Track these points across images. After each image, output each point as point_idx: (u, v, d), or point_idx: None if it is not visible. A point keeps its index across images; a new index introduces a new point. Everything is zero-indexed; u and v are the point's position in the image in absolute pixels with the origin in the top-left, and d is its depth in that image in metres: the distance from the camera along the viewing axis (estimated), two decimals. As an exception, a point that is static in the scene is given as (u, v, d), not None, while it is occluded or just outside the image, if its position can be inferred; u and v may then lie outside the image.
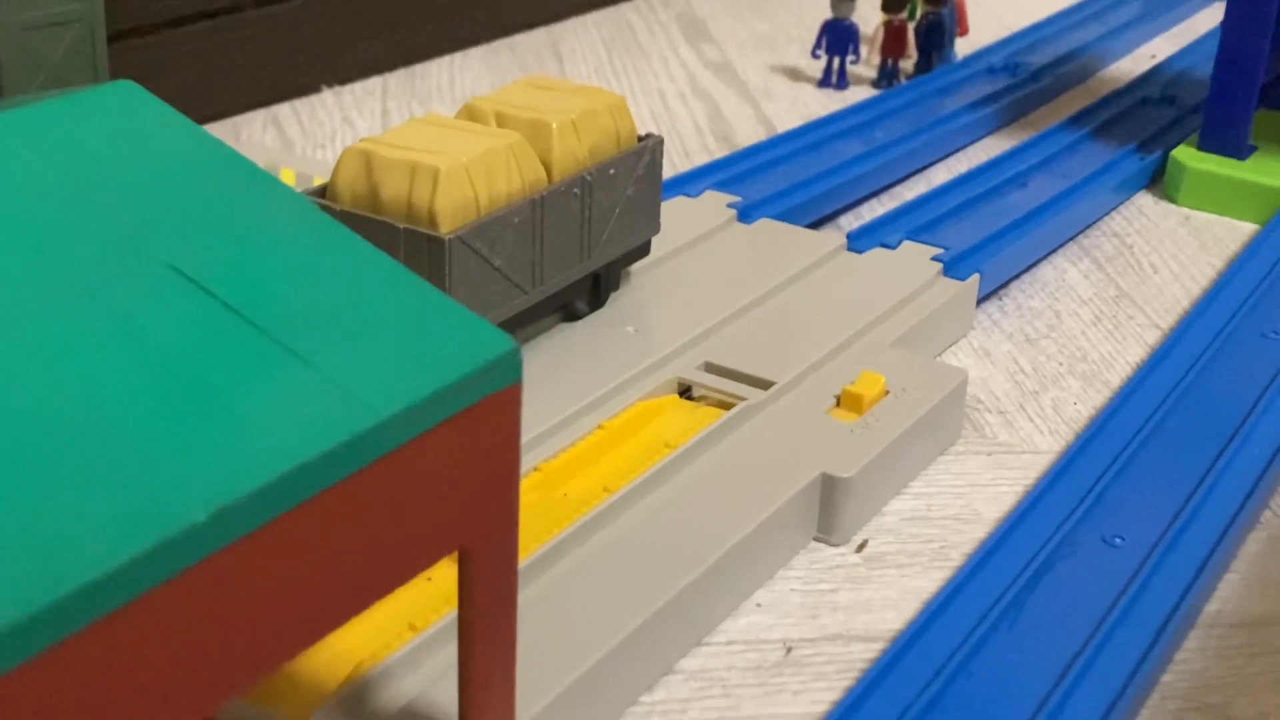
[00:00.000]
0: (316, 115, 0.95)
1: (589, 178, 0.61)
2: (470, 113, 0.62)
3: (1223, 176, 0.86)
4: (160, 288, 0.32)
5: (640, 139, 0.65)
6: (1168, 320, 0.73)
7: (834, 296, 0.68)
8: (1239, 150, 0.88)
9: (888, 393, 0.59)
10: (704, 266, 0.70)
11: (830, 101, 1.03)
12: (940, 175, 0.91)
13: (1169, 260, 0.80)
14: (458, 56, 1.09)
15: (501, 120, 0.61)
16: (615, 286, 0.66)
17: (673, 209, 0.76)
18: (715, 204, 0.77)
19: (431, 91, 1.01)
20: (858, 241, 0.73)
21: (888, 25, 1.05)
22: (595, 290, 0.64)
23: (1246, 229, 0.85)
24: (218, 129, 0.92)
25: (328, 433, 0.31)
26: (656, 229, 0.67)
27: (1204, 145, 0.88)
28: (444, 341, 0.34)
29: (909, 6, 1.06)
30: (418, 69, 1.06)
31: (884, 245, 0.73)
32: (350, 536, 0.32)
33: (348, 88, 1.01)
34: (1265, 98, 0.95)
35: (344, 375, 0.32)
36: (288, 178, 0.75)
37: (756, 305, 0.67)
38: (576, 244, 0.61)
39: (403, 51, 1.05)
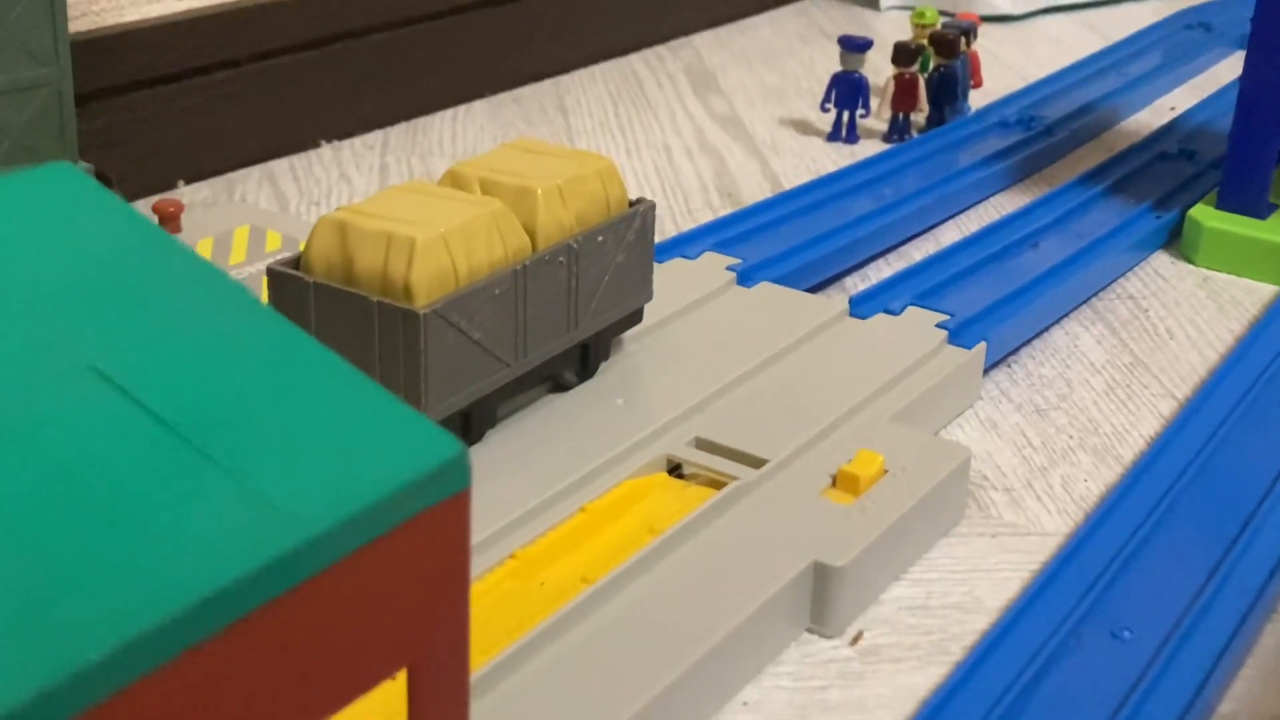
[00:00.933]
0: (313, 172, 0.93)
1: (575, 246, 0.59)
2: (454, 179, 0.60)
3: (1242, 237, 0.84)
4: (77, 390, 0.30)
5: (632, 203, 0.63)
6: (1184, 390, 0.70)
7: (834, 366, 0.65)
8: (1259, 209, 0.85)
9: (886, 472, 0.56)
10: (700, 333, 0.68)
11: (839, 156, 1.01)
12: (950, 234, 0.88)
13: (1185, 325, 0.77)
14: (461, 110, 1.07)
15: (486, 186, 0.59)
16: (605, 356, 0.64)
17: (670, 272, 0.74)
18: (714, 266, 0.75)
19: (433, 146, 1.00)
20: (860, 307, 0.71)
21: (898, 78, 1.02)
22: (584, 361, 0.62)
23: (1267, 291, 0.82)
24: (212, 186, 0.90)
25: (250, 553, 0.28)
26: (649, 296, 0.65)
27: (1222, 204, 0.86)
28: (386, 446, 0.32)
29: (920, 59, 1.04)
30: (420, 123, 1.04)
31: (888, 311, 0.71)
32: (279, 662, 0.29)
33: (347, 143, 0.99)
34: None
35: (273, 487, 0.30)
36: (274, 241, 0.73)
37: (753, 375, 0.64)
38: (563, 314, 0.59)
39: (404, 106, 1.03)
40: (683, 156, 1.00)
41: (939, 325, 0.69)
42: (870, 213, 0.85)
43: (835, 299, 0.74)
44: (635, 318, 0.65)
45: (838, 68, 1.03)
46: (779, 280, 0.75)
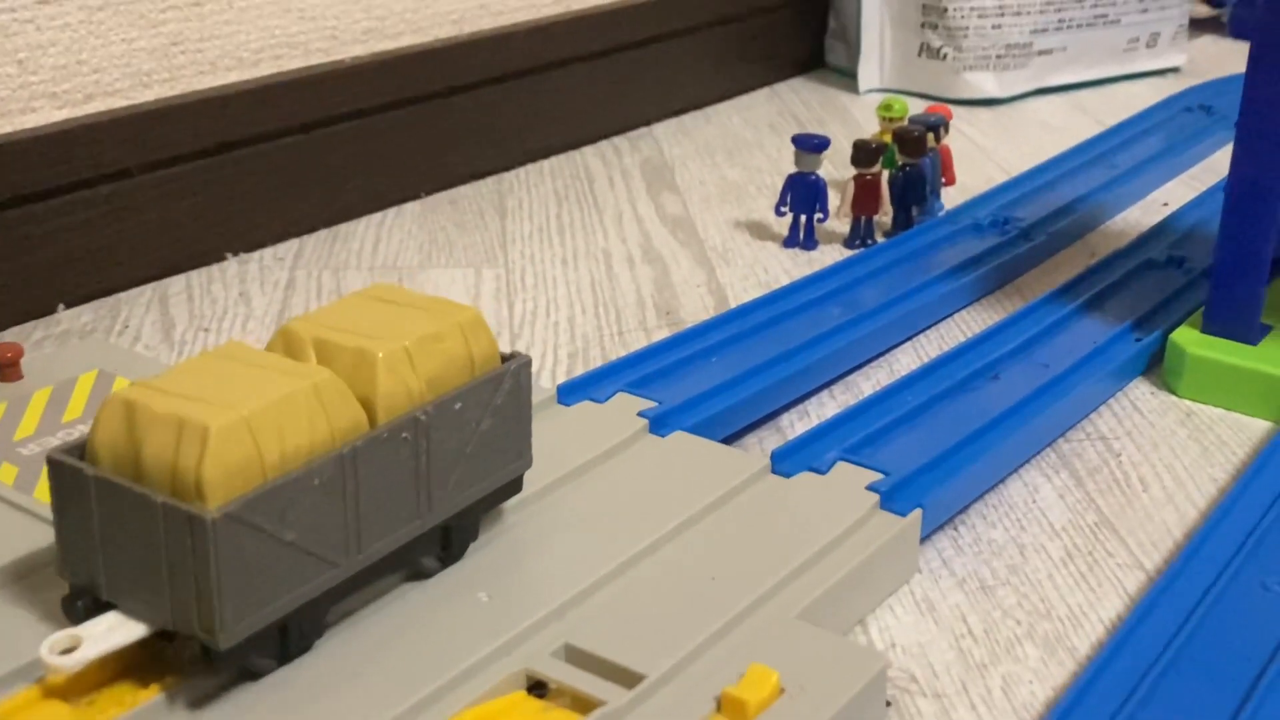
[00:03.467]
0: (211, 291, 0.86)
1: (424, 417, 0.50)
2: (286, 339, 0.52)
3: (1229, 366, 0.75)
4: None
5: (505, 358, 0.55)
6: (1155, 558, 0.61)
7: (742, 542, 0.57)
8: (1248, 333, 0.76)
9: (782, 692, 0.48)
10: (594, 500, 0.59)
11: (794, 264, 0.92)
12: (906, 359, 0.79)
13: (1163, 473, 0.68)
14: (390, 214, 1.00)
15: (321, 349, 0.51)
16: (473, 536, 0.55)
17: (574, 419, 0.65)
18: (625, 411, 0.66)
19: (350, 257, 0.92)
20: (783, 463, 0.62)
21: (859, 179, 0.94)
22: (446, 544, 0.54)
23: (1257, 428, 0.73)
24: (95, 310, 0.82)
25: None
26: (526, 463, 0.56)
27: (1209, 327, 0.77)
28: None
29: (884, 157, 0.95)
30: (342, 229, 0.96)
31: (813, 469, 0.62)
32: None
33: (256, 255, 0.91)
34: (1281, 267, 0.84)
35: None
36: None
37: (645, 556, 0.55)
38: (411, 496, 0.51)
39: (324, 211, 0.96)
40: (623, 266, 0.92)
41: (871, 486, 0.60)
42: (815, 338, 0.76)
43: (756, 453, 0.66)
44: (513, 487, 0.56)
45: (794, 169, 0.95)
46: (701, 426, 0.66)
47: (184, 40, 0.87)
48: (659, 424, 0.65)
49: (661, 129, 1.22)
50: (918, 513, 0.59)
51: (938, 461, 0.63)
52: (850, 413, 0.68)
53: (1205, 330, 0.77)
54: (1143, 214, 1.03)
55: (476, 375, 0.53)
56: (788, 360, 0.74)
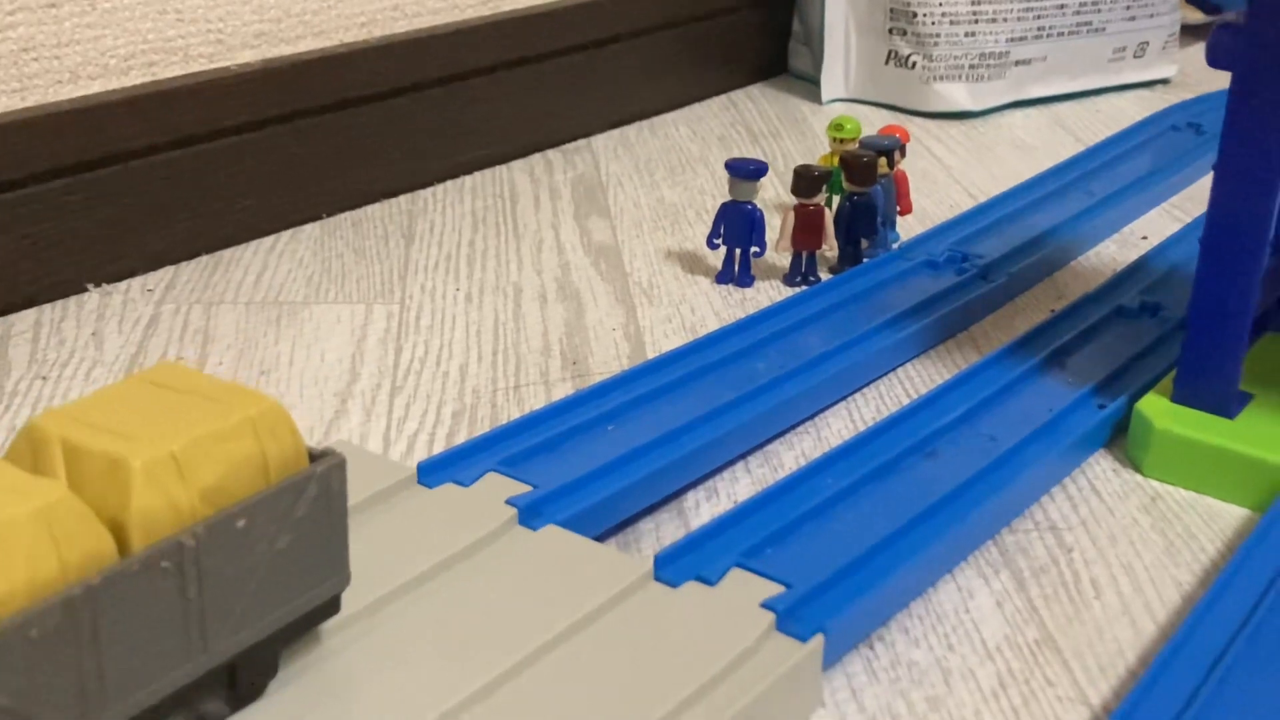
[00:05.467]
0: (61, 329, 0.76)
1: (193, 541, 0.41)
2: (31, 441, 0.42)
3: (1199, 444, 0.65)
4: None
5: (313, 456, 0.45)
6: (1101, 690, 0.52)
7: (613, 670, 0.47)
8: (1225, 404, 0.67)
9: None
10: (438, 614, 0.50)
11: (725, 304, 0.83)
12: (837, 424, 0.70)
13: (1120, 574, 0.59)
14: (284, 237, 0.90)
15: (71, 454, 0.41)
16: (271, 673, 0.46)
17: (432, 506, 0.56)
18: (492, 497, 0.57)
19: (228, 289, 0.82)
20: (668, 569, 0.53)
21: (799, 210, 0.84)
22: (234, 684, 0.44)
23: (1232, 517, 0.63)
24: (-77, 349, 0.73)
25: None
26: (342, 582, 0.47)
27: (1179, 396, 0.67)
28: None
29: (827, 186, 0.86)
30: (226, 256, 0.87)
31: (702, 578, 0.52)
32: None
33: (123, 285, 0.82)
34: (1267, 321, 0.74)
35: None
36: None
37: (496, 687, 0.46)
38: (179, 636, 0.41)
39: (208, 234, 0.86)
40: (534, 303, 0.82)
41: (767, 603, 0.51)
42: (733, 402, 0.67)
43: (637, 556, 0.56)
44: (327, 609, 0.47)
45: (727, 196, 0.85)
46: (585, 515, 0.57)
47: (37, 46, 0.77)
48: (531, 514, 0.56)
49: (601, 141, 1.12)
50: (819, 639, 0.50)
51: (852, 569, 0.54)
52: (755, 502, 0.58)
53: (1176, 399, 0.68)
54: (1118, 249, 0.93)
55: (272, 482, 0.44)
56: (697, 430, 0.64)
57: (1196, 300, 0.66)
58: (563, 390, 0.72)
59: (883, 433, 0.66)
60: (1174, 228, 0.97)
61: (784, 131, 1.15)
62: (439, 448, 0.66)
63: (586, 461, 0.60)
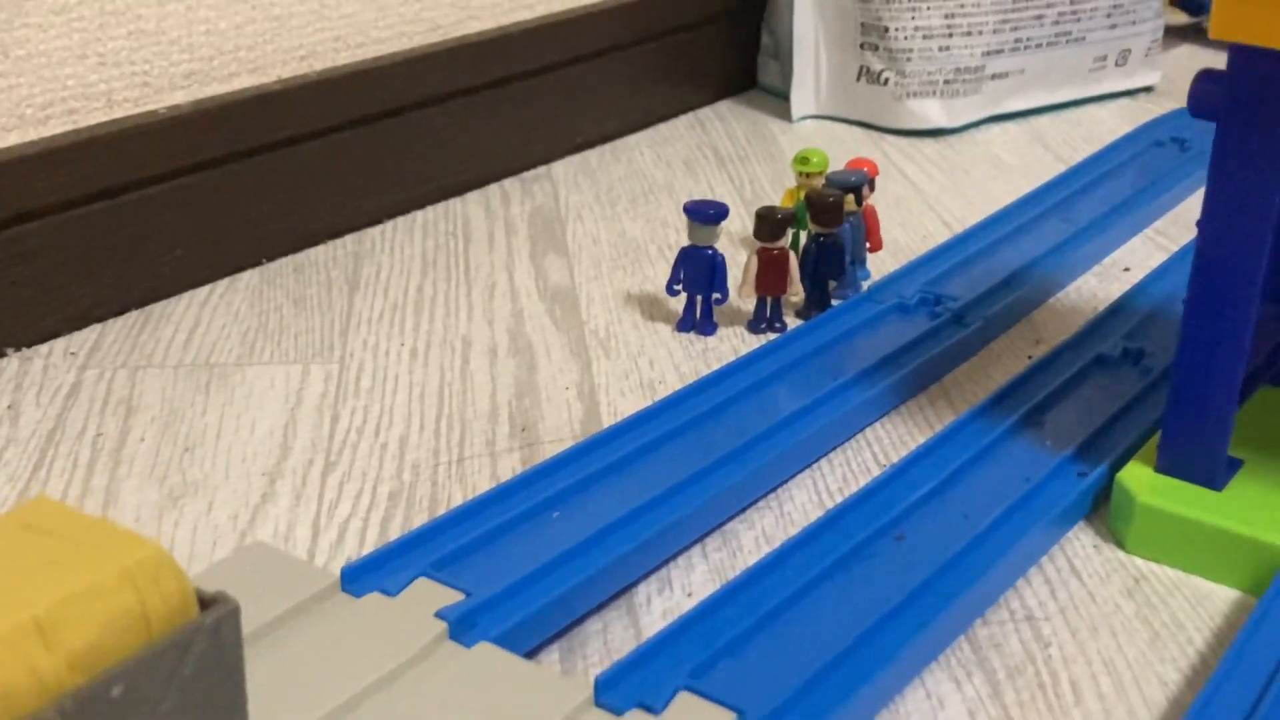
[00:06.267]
0: (-28, 401, 0.72)
1: (59, 717, 0.37)
2: (-125, 602, 0.38)
3: (1185, 520, 0.61)
4: None
5: (203, 602, 0.41)
6: (1083, 820, 0.48)
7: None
8: (1212, 473, 0.62)
9: None
10: (354, 755, 0.46)
11: (686, 355, 0.78)
12: (800, 498, 0.66)
13: (1101, 673, 0.55)
14: (221, 286, 0.85)
15: (-80, 619, 0.37)
16: (161, 842, 0.41)
17: (354, 621, 0.52)
18: (421, 608, 0.52)
19: (157, 349, 0.77)
20: (608, 694, 0.49)
21: (762, 254, 0.80)
22: None
23: (1222, 600, 0.59)
24: None
25: None
26: (241, 737, 0.42)
27: (1163, 465, 0.63)
28: None
29: (791, 229, 0.81)
30: (156, 310, 0.82)
31: (645, 707, 0.48)
32: None
33: (44, 348, 0.77)
34: (1260, 376, 0.70)
35: None
36: None
37: None
38: (47, 821, 0.37)
39: (137, 288, 0.81)
40: (483, 358, 0.78)
41: (718, 733, 0.47)
42: (690, 479, 0.62)
43: (578, 676, 0.52)
44: (227, 762, 0.42)
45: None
46: (527, 623, 0.53)
47: (-56, 97, 0.72)
48: (463, 627, 0.52)
49: (561, 168, 1.07)
50: (771, 778, 0.46)
51: (811, 687, 0.50)
52: (708, 606, 0.54)
53: (1160, 468, 0.63)
54: (1100, 283, 0.89)
55: (154, 638, 0.39)
56: (651, 515, 0.60)
57: (1180, 365, 0.62)
58: (509, 462, 0.67)
59: (848, 512, 0.61)
60: (1158, 257, 0.93)
61: (753, 154, 1.11)
62: (372, 536, 0.61)
63: (528, 559, 0.56)
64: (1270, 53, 0.55)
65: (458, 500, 0.64)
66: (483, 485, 0.65)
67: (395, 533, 0.61)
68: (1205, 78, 0.59)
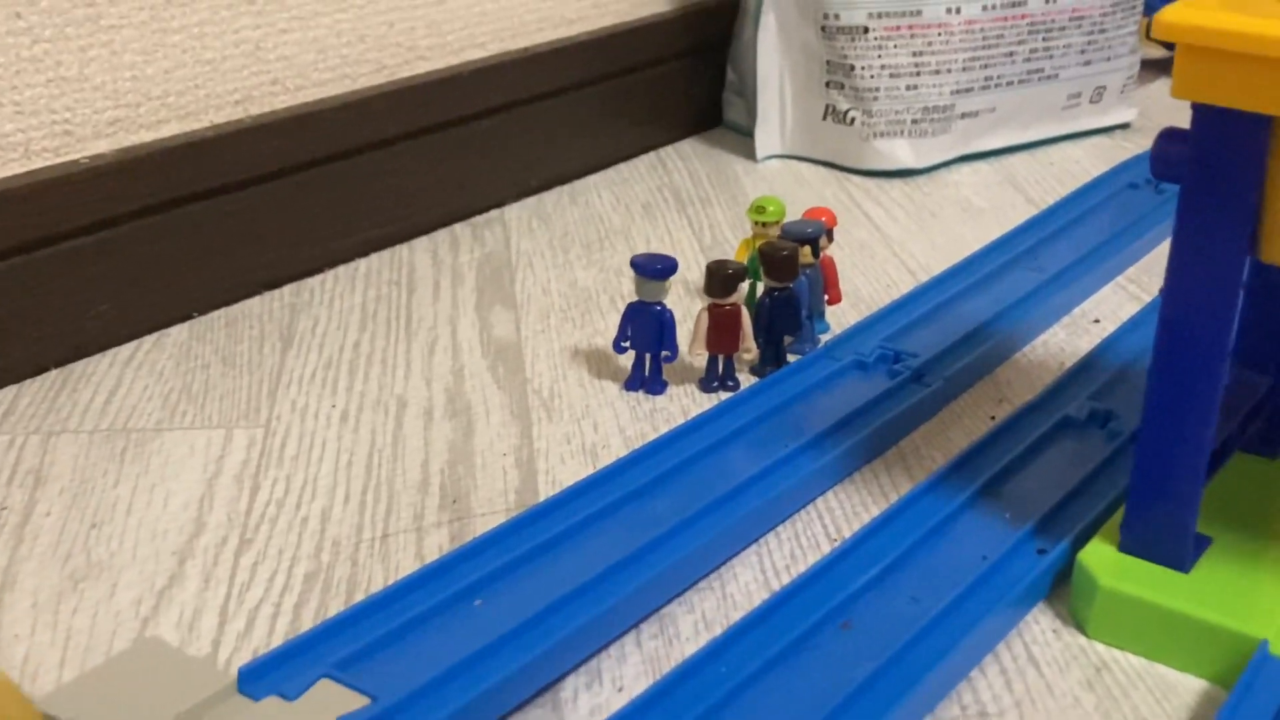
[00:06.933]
0: (-128, 472, 0.68)
1: None
2: None
3: (1150, 606, 0.57)
4: None
5: (56, 735, 0.37)
6: None
7: None
8: (1178, 557, 0.59)
9: None
10: None
11: (633, 416, 0.75)
12: (745, 576, 0.62)
13: (1058, 778, 0.51)
14: (147, 343, 0.81)
15: None
16: None
17: (249, 727, 0.48)
18: (319, 715, 0.48)
19: (73, 413, 0.74)
20: (518, 815, 0.45)
21: (713, 311, 0.76)
22: None
23: (1188, 691, 0.56)
24: None
25: None
26: None
27: (1127, 544, 0.59)
28: None
29: (745, 283, 0.77)
30: (77, 370, 0.78)
31: (556, 828, 0.44)
32: None
33: (-48, 411, 0.73)
34: (1230, 446, 0.66)
35: None
36: None
37: None
38: None
39: (56, 347, 0.78)
40: (418, 421, 0.74)
41: None
42: (626, 560, 0.59)
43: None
44: None
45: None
46: (436, 722, 0.49)
47: None
48: (367, 733, 0.48)
49: (515, 212, 1.04)
50: None
51: (738, 803, 0.46)
52: (637, 706, 0.50)
53: (1123, 547, 0.60)
54: (1069, 335, 0.86)
55: (-8, 780, 0.36)
56: (582, 601, 0.56)
57: (1144, 440, 0.58)
58: (436, 539, 0.63)
59: (793, 596, 0.58)
60: (1129, 307, 0.89)
61: (715, 196, 1.07)
62: (282, 624, 0.57)
63: (443, 656, 0.52)
64: (1236, 113, 0.52)
65: (378, 582, 0.60)
66: (406, 565, 0.61)
67: (308, 620, 0.58)
68: (1167, 137, 0.55)
